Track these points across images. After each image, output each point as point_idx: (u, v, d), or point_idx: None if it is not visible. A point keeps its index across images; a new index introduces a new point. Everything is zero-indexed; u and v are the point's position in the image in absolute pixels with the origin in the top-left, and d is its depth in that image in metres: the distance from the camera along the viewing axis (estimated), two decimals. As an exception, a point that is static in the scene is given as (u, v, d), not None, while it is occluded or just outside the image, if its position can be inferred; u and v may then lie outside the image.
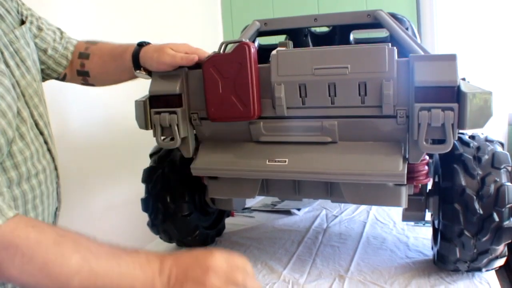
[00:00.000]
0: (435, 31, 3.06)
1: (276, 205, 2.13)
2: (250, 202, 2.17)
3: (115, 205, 2.13)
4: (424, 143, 1.08)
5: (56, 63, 1.26)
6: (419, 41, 1.49)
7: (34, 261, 0.77)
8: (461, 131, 1.39)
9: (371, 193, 1.24)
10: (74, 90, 1.66)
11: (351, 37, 1.68)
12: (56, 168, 1.11)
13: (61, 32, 1.30)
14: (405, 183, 1.16)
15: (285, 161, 1.21)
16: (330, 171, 1.18)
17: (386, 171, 1.14)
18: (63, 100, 1.85)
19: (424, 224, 1.76)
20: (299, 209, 2.03)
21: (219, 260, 0.88)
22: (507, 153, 1.28)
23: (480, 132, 1.37)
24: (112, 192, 2.15)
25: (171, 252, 0.91)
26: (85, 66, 1.31)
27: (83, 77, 1.33)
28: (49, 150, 1.07)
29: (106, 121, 2.09)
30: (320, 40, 1.72)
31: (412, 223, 1.79)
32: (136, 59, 1.26)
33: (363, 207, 2.02)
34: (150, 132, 1.31)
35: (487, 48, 3.06)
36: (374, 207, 2.01)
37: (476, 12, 3.00)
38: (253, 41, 1.62)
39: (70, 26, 1.39)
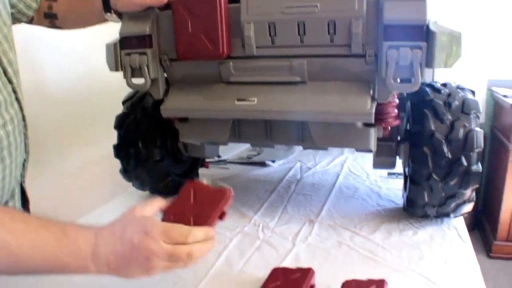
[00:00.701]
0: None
1: (251, 157, 2.13)
2: (225, 155, 2.17)
3: (92, 159, 2.13)
4: (392, 81, 1.08)
5: (26, 6, 1.22)
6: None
7: None
8: (434, 80, 1.41)
9: (340, 134, 1.23)
10: (47, 40, 1.64)
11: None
12: (24, 119, 1.07)
13: None
14: (373, 122, 1.16)
15: (254, 100, 1.20)
16: (298, 109, 1.17)
17: (354, 109, 1.14)
18: (37, 51, 1.82)
19: (397, 176, 1.77)
20: (273, 161, 2.03)
21: (159, 245, 0.83)
22: (477, 100, 1.29)
23: (453, 81, 1.38)
24: (89, 146, 2.13)
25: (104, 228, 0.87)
26: (52, 8, 1.27)
27: (51, 19, 1.29)
28: (17, 99, 1.03)
29: (82, 74, 2.07)
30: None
31: (386, 175, 1.80)
32: (106, 2, 1.23)
33: (337, 160, 2.03)
34: (127, 87, 1.31)
35: (467, 13, 3.07)
36: (348, 160, 2.02)
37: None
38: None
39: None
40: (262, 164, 2.03)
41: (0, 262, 0.77)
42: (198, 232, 0.87)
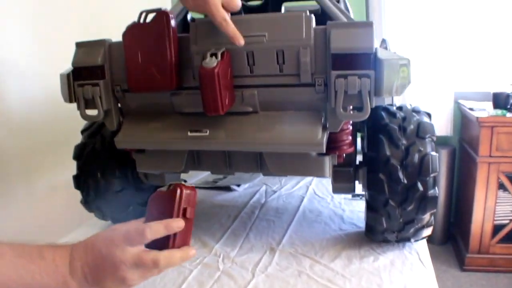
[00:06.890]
0: (383, 8, 3.11)
1: (217, 182, 2.11)
2: (191, 180, 2.15)
3: (59, 185, 2.09)
4: (342, 110, 1.07)
5: None
6: (351, 15, 1.48)
7: None
8: (389, 103, 1.41)
9: (295, 163, 1.23)
10: (10, 68, 1.62)
11: (283, 9, 1.66)
12: None
13: None
14: (324, 151, 1.15)
15: (207, 131, 1.19)
16: (250, 140, 1.17)
17: (305, 140, 1.13)
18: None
19: (361, 198, 1.77)
20: (239, 185, 2.02)
21: (124, 251, 0.82)
22: (433, 123, 1.29)
23: (409, 103, 1.38)
24: (55, 171, 2.10)
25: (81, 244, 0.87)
26: None
27: None
28: None
29: (46, 99, 2.04)
30: (254, 12, 1.70)
31: (350, 196, 1.80)
32: None
33: (303, 182, 2.02)
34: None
35: (434, 27, 3.13)
36: (314, 182, 2.01)
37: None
38: (186, 14, 1.59)
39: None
40: (227, 188, 2.01)
41: None
42: (156, 226, 0.84)
